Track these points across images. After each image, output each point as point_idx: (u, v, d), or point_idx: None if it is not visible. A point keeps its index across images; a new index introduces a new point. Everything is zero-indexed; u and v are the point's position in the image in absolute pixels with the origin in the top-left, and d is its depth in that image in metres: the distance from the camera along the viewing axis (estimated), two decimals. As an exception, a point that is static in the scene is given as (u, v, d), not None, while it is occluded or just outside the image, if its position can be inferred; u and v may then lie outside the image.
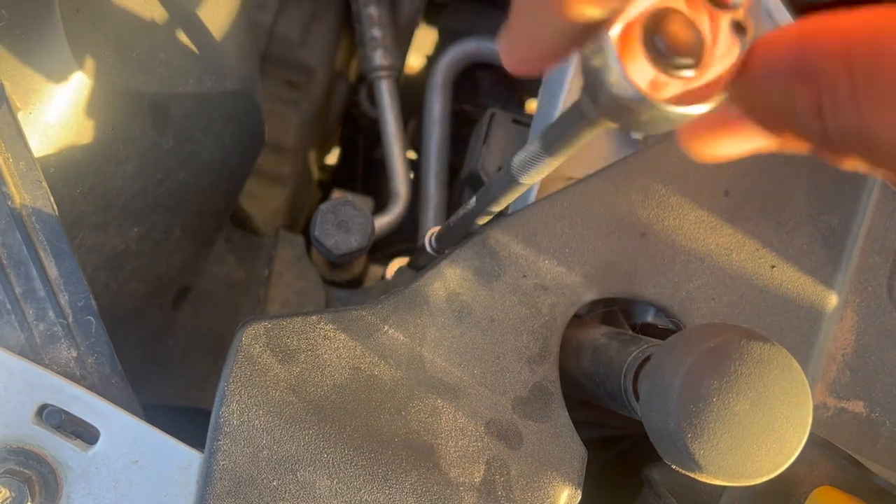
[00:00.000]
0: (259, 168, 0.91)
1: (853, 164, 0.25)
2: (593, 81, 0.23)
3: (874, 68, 0.23)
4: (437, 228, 0.63)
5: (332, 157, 1.34)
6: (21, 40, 0.47)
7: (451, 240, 0.61)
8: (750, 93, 0.25)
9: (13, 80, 0.47)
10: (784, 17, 0.65)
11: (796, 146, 0.27)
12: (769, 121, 0.26)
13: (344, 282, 0.95)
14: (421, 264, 0.80)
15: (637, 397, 0.51)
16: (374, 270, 1.06)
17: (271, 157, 0.97)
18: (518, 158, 0.40)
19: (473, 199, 0.50)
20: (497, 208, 0.48)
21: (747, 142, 0.28)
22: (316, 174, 1.16)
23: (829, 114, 0.24)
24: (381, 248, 1.04)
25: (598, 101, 0.23)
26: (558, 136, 0.34)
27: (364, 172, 1.24)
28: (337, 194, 1.01)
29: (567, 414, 0.51)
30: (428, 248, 0.64)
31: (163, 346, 0.69)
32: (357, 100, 1.12)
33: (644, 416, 0.48)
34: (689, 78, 0.21)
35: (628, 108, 0.22)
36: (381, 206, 0.97)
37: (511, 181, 0.42)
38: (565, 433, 0.51)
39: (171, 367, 0.70)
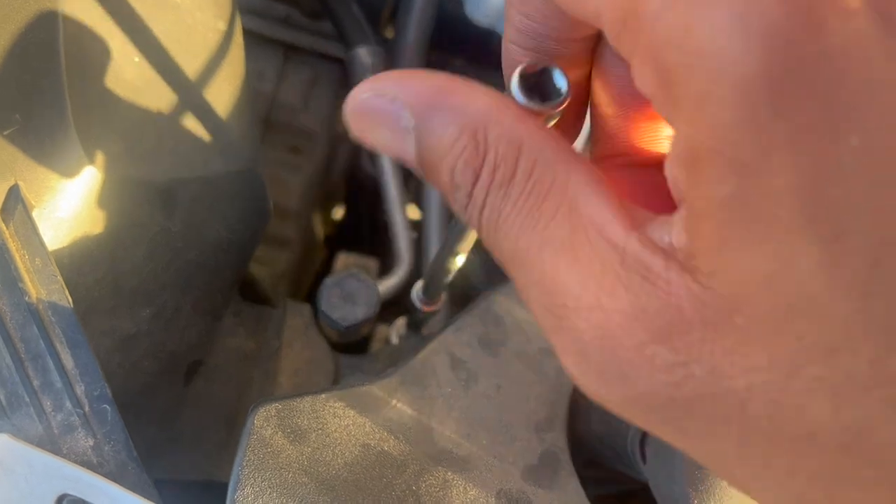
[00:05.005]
0: (265, 233, 0.93)
1: None
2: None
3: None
4: (421, 282, 0.65)
5: (337, 217, 1.36)
6: (35, 142, 0.49)
7: (436, 290, 0.62)
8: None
9: (27, 180, 0.49)
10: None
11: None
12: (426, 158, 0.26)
13: (352, 343, 0.96)
14: (418, 319, 0.82)
15: (645, 460, 0.51)
16: (382, 330, 1.07)
17: (276, 221, 0.99)
18: None
19: (440, 246, 0.53)
20: (463, 247, 0.50)
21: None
22: (321, 235, 1.18)
23: (477, 194, 0.25)
24: (389, 308, 1.05)
25: None
26: None
27: (370, 232, 1.25)
28: (342, 258, 1.02)
29: (577, 480, 0.52)
30: (416, 303, 0.66)
31: (176, 421, 0.70)
32: (359, 161, 1.14)
33: (651, 480, 0.49)
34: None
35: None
36: (388, 265, 0.98)
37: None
38: (575, 501, 0.51)
39: (184, 441, 0.70)
